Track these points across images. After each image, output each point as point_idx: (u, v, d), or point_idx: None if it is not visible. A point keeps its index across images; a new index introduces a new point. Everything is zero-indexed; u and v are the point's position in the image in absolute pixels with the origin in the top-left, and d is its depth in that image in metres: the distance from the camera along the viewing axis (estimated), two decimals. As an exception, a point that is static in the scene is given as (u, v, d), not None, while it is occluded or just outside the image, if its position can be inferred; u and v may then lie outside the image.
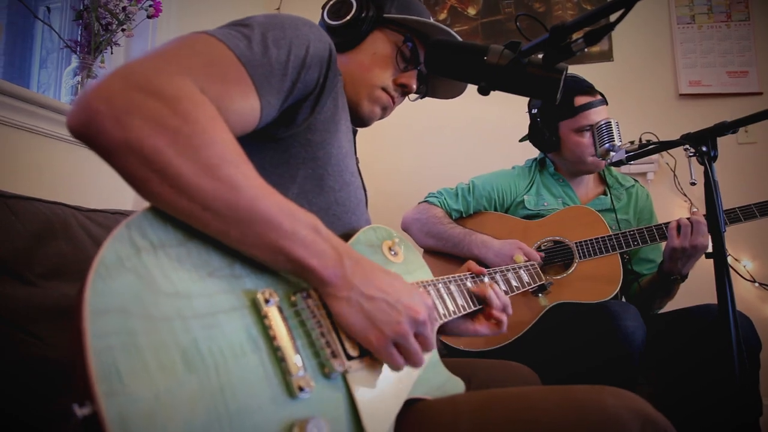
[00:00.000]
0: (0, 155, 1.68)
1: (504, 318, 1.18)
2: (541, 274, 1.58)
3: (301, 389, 0.71)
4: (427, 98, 1.28)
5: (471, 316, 1.20)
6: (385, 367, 0.85)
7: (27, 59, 2.18)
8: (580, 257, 2.05)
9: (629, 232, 1.98)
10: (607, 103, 2.11)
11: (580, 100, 2.12)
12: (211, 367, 0.64)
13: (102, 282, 0.58)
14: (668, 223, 1.92)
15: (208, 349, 0.65)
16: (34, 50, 2.21)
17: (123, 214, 1.51)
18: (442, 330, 1.17)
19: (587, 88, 2.11)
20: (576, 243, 2.04)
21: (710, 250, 1.31)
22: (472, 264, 1.25)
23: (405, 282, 0.83)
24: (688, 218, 1.89)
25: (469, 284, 1.19)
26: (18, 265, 1.07)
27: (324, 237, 0.75)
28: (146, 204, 0.67)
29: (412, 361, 0.81)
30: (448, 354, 2.01)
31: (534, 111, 2.18)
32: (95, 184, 1.93)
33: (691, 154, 1.38)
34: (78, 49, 1.96)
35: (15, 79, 2.09)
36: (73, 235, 1.23)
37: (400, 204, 2.45)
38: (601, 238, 2.01)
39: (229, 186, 0.66)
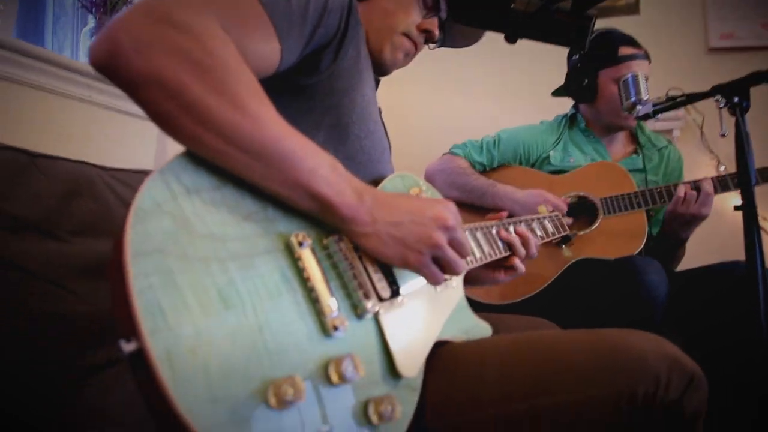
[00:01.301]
0: (23, 116, 1.69)
1: (522, 266, 1.21)
2: (566, 225, 1.56)
3: (335, 328, 0.73)
4: (455, 49, 1.27)
5: (491, 263, 1.20)
6: (416, 308, 0.86)
7: (40, 22, 2.18)
8: (604, 213, 2.02)
9: (656, 189, 1.97)
10: (649, 60, 2.07)
11: (625, 51, 2.06)
12: (248, 306, 0.65)
13: (141, 225, 0.59)
14: (680, 183, 1.89)
15: (245, 289, 0.66)
16: (46, 14, 2.21)
17: (145, 173, 1.55)
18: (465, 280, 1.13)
19: (632, 41, 2.07)
20: (601, 198, 2.02)
21: (740, 203, 1.28)
22: (497, 214, 1.27)
23: (425, 198, 0.84)
24: (696, 185, 1.88)
25: (494, 232, 1.18)
26: (49, 222, 1.09)
27: (343, 176, 0.75)
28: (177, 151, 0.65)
29: (452, 269, 0.84)
30: (475, 308, 2.03)
31: (575, 57, 2.13)
32: (116, 145, 1.96)
33: (722, 105, 1.34)
34: (93, 9, 1.95)
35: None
36: (98, 193, 1.25)
37: (424, 156, 2.42)
38: (627, 194, 1.99)
39: (255, 120, 0.66)
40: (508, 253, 1.19)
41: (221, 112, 0.65)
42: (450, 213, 0.83)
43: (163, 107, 0.64)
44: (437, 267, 0.82)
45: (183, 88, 0.64)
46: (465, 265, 0.83)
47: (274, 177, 0.70)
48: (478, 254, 1.09)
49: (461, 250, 0.84)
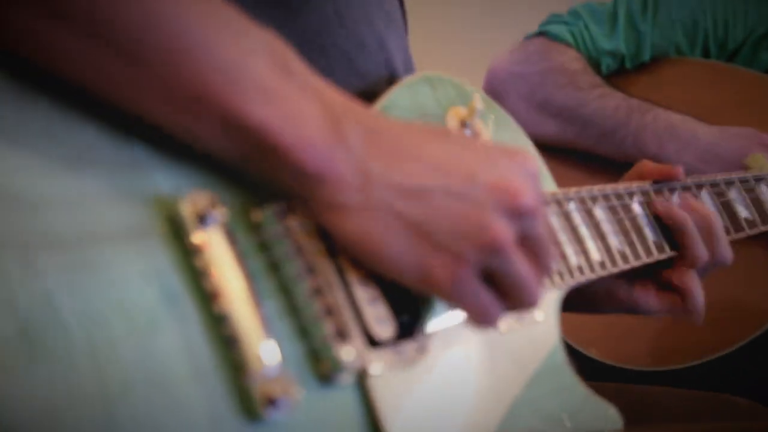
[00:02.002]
0: None
1: (697, 292, 0.91)
2: None
3: (271, 403, 0.53)
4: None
5: (627, 272, 0.93)
6: (452, 368, 0.70)
7: None
8: None
9: None
10: None
11: None
12: (82, 355, 0.48)
13: None
14: None
15: (76, 317, 0.48)
16: None
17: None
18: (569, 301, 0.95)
19: None
20: None
21: None
22: (648, 165, 0.98)
23: (479, 142, 0.72)
24: None
25: (636, 207, 0.92)
26: None
27: (297, 81, 0.58)
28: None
29: (521, 297, 0.63)
30: (588, 374, 1.51)
31: None
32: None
33: None
34: None
35: None
36: None
37: (484, 40, 2.00)
38: None
39: None
40: (672, 253, 0.92)
41: None
42: (527, 175, 0.63)
43: None
44: (491, 290, 0.61)
45: None
46: (547, 287, 0.69)
47: (155, 87, 0.54)
48: (594, 253, 0.84)
49: (542, 255, 0.64)
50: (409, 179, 0.60)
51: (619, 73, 1.65)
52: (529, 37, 1.69)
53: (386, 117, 0.69)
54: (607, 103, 1.56)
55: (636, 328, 1.48)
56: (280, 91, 0.58)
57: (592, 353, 1.49)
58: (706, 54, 1.65)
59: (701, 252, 0.92)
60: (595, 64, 1.64)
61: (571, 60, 1.61)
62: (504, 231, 0.60)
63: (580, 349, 1.51)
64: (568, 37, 1.62)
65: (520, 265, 0.63)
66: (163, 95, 0.56)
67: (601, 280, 0.96)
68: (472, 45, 2.42)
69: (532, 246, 0.64)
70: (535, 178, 0.66)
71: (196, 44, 0.56)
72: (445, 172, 0.62)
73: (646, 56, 1.62)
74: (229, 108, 0.56)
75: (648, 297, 0.95)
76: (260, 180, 0.64)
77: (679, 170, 0.98)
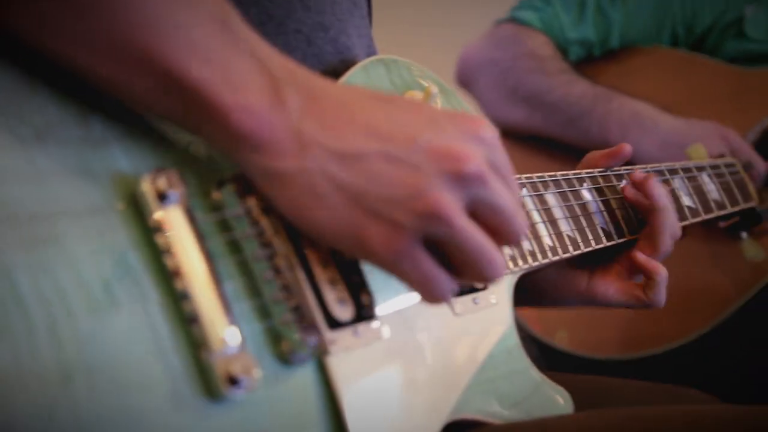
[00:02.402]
0: None
1: (662, 273, 0.90)
2: (752, 189, 1.20)
3: (232, 381, 0.53)
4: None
5: (590, 261, 0.94)
6: (409, 350, 0.70)
7: None
8: None
9: None
10: None
11: None
12: (41, 332, 0.47)
13: None
14: None
15: (35, 293, 0.48)
16: None
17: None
18: (517, 291, 0.89)
19: None
20: None
21: None
22: (595, 154, 0.97)
23: (427, 106, 0.66)
24: None
25: (586, 194, 0.92)
26: None
27: (240, 44, 0.56)
28: None
29: (476, 270, 0.58)
30: (546, 364, 1.56)
31: None
32: None
33: None
34: None
35: None
36: None
37: (455, 26, 1.95)
38: None
39: None
40: (621, 240, 0.92)
41: None
42: (477, 141, 0.59)
43: None
44: (437, 262, 0.58)
45: None
46: (507, 264, 0.71)
47: (98, 41, 0.52)
48: (546, 238, 0.84)
49: (501, 224, 0.59)
50: (346, 143, 0.58)
51: (588, 61, 1.64)
52: (499, 23, 1.67)
53: (330, 80, 0.65)
54: (573, 89, 1.54)
55: (601, 317, 1.46)
56: (221, 52, 0.56)
57: (561, 340, 1.47)
58: (674, 40, 1.64)
59: (665, 224, 0.90)
60: (563, 51, 1.62)
61: (541, 45, 1.59)
62: (443, 198, 0.57)
63: (544, 338, 1.50)
64: (538, 23, 1.60)
65: (468, 234, 0.58)
66: (105, 50, 0.54)
67: (560, 273, 0.96)
68: (443, 32, 2.39)
69: (488, 214, 0.60)
70: (490, 145, 0.62)
71: (138, 1, 0.55)
72: (385, 136, 0.59)
73: (615, 43, 1.61)
74: (169, 66, 0.55)
75: (607, 288, 0.94)
76: (219, 157, 0.63)
77: (625, 147, 0.96)
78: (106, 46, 0.55)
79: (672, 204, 0.94)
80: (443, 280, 0.60)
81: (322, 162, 0.57)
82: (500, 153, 0.63)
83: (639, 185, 0.94)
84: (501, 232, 0.61)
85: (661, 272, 0.90)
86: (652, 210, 0.92)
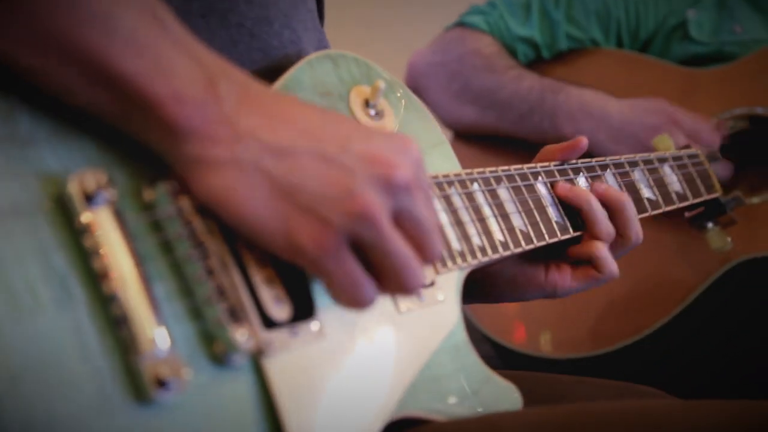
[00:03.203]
0: None
1: (608, 258, 0.90)
2: (715, 180, 1.17)
3: (160, 384, 0.52)
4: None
5: (545, 254, 0.94)
6: (350, 348, 0.68)
7: None
8: None
9: None
10: None
11: None
12: None
13: None
14: None
15: None
16: None
17: None
18: (477, 287, 0.91)
19: None
20: None
21: None
22: (550, 148, 0.95)
23: (349, 118, 0.70)
24: None
25: (541, 188, 0.91)
26: None
27: (173, 38, 0.56)
28: None
29: (397, 279, 0.59)
30: (501, 363, 1.54)
31: None
32: None
33: None
34: None
35: None
36: None
37: (403, 35, 1.99)
38: None
39: None
40: (577, 233, 0.91)
41: None
42: (406, 155, 0.60)
43: None
44: (362, 267, 0.58)
45: None
46: (429, 273, 0.68)
47: (29, 36, 0.51)
48: (497, 233, 0.82)
49: (421, 238, 0.60)
50: (280, 138, 0.58)
51: (536, 62, 1.64)
52: (447, 29, 1.69)
53: (261, 83, 0.63)
54: (521, 85, 1.55)
55: (570, 316, 1.46)
56: (153, 45, 0.56)
57: (545, 345, 1.47)
58: (619, 44, 1.64)
59: (606, 229, 0.90)
60: (512, 53, 1.63)
61: (487, 45, 1.60)
62: (373, 201, 0.57)
63: (496, 338, 1.49)
64: (484, 26, 1.62)
65: (393, 241, 0.59)
66: (33, 42, 0.53)
67: (518, 268, 0.96)
68: (394, 40, 2.34)
69: (410, 226, 0.61)
70: (416, 161, 0.63)
71: None
72: (318, 136, 0.59)
73: (562, 45, 1.62)
74: (100, 60, 0.54)
75: (564, 277, 0.93)
76: (151, 157, 0.60)
77: (581, 140, 0.95)
78: (34, 38, 0.53)
79: (621, 204, 0.91)
80: (366, 283, 0.59)
81: (255, 154, 0.56)
82: (425, 172, 0.64)
83: (565, 198, 0.90)
84: (420, 246, 0.62)
85: (603, 257, 0.89)
86: (583, 211, 0.90)
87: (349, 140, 0.60)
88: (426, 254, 0.62)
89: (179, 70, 0.56)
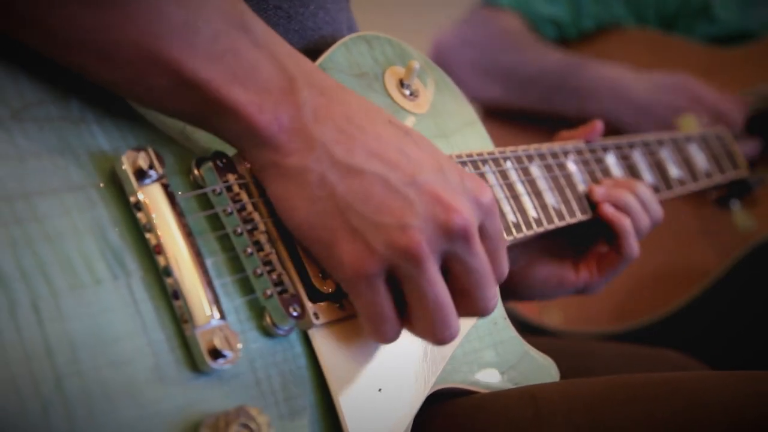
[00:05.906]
0: None
1: (633, 243, 0.90)
2: (741, 159, 1.18)
3: (215, 355, 0.53)
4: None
5: (570, 254, 0.95)
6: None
7: None
8: None
9: None
10: None
11: None
12: (24, 310, 0.47)
13: None
14: None
15: (16, 270, 0.48)
16: None
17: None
18: (508, 289, 0.92)
19: None
20: None
21: None
22: (564, 135, 0.97)
23: (436, 149, 0.64)
24: None
25: (572, 165, 0.92)
26: None
27: (258, 41, 0.57)
28: None
29: (427, 324, 0.58)
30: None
31: None
32: None
33: None
34: None
35: None
36: None
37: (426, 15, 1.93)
38: None
39: None
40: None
41: None
42: (474, 201, 0.59)
43: None
44: (391, 301, 0.58)
45: None
46: (458, 328, 0.60)
47: (102, 45, 0.52)
48: (531, 210, 0.83)
49: (468, 293, 0.59)
50: (350, 157, 0.58)
51: (561, 41, 1.65)
52: (473, 8, 1.70)
53: (344, 87, 0.64)
54: (546, 62, 1.57)
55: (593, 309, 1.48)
56: (234, 50, 0.57)
57: (553, 319, 1.47)
58: (646, 21, 1.64)
59: (634, 248, 0.89)
60: (536, 28, 1.64)
61: (513, 23, 1.62)
62: (422, 240, 0.57)
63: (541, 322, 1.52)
64: (510, 4, 1.63)
65: (432, 285, 0.59)
66: (118, 57, 0.54)
67: (549, 269, 0.96)
68: (416, 21, 2.31)
69: (459, 274, 0.60)
70: (487, 210, 0.62)
71: (146, 2, 0.55)
72: (388, 162, 0.59)
73: (587, 24, 1.63)
74: (180, 68, 0.55)
75: (592, 271, 0.95)
76: (205, 138, 0.63)
77: (597, 124, 0.96)
78: (117, 51, 0.54)
79: (642, 197, 0.91)
80: (389, 321, 0.60)
81: (323, 167, 0.58)
82: (495, 221, 0.63)
83: (604, 218, 0.90)
84: (467, 297, 0.61)
85: (624, 223, 0.89)
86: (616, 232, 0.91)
87: (420, 171, 0.59)
88: (472, 305, 0.61)
89: (260, 75, 0.57)
